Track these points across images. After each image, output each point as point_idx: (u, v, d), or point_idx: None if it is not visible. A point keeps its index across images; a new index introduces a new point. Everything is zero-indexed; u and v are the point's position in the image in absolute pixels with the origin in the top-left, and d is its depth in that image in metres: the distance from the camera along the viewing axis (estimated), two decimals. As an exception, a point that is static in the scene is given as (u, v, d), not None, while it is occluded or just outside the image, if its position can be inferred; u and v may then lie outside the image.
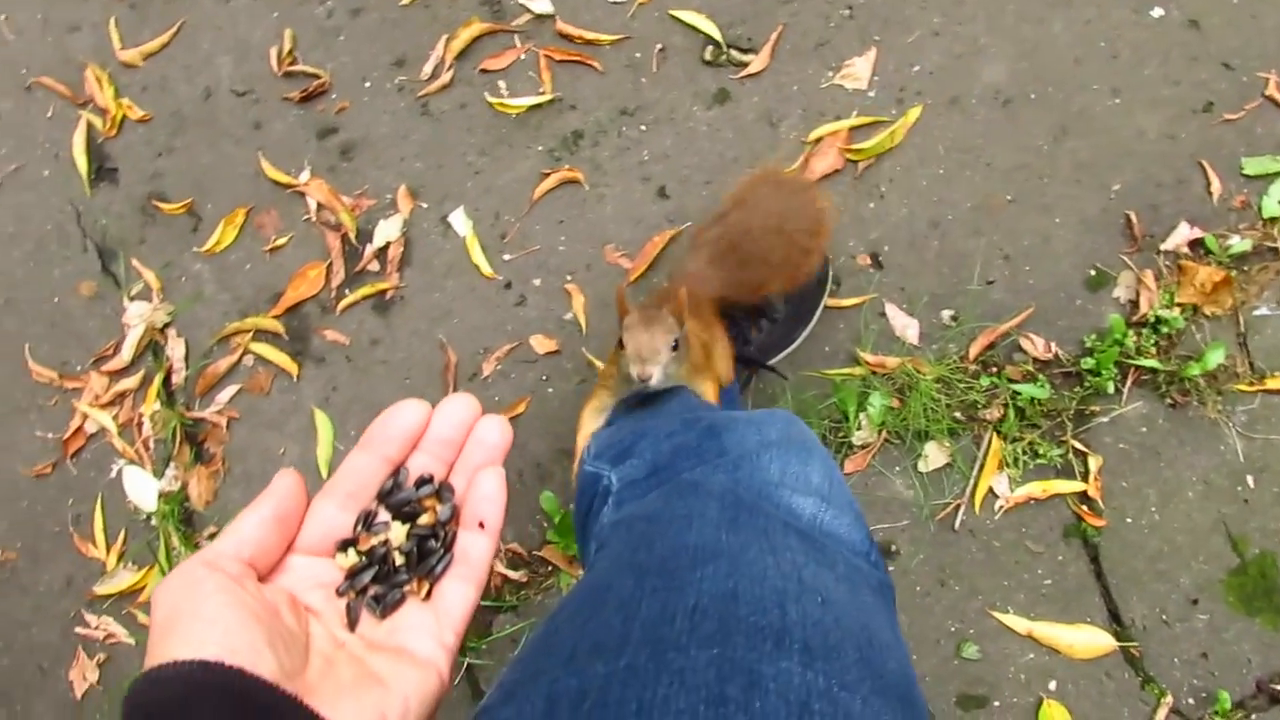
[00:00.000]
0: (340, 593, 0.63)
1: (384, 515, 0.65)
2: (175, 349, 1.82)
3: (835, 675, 0.58)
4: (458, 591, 0.65)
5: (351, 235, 1.81)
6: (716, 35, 1.77)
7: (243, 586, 0.56)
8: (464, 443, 0.67)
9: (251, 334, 1.81)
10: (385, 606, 0.63)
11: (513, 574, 1.68)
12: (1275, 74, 1.68)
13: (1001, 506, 1.62)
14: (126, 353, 1.83)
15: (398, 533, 0.65)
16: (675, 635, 0.60)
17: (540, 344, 1.74)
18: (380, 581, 0.64)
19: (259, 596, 0.57)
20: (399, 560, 0.64)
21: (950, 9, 1.75)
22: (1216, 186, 1.67)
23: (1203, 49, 1.71)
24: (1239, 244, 1.63)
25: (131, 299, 1.85)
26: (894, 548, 1.63)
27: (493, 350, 1.74)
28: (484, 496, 0.65)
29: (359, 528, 0.65)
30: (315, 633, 0.60)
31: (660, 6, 1.79)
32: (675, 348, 1.14)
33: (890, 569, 1.50)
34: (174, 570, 0.56)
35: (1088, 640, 1.57)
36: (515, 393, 1.74)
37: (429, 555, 0.65)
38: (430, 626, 0.63)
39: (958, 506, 1.64)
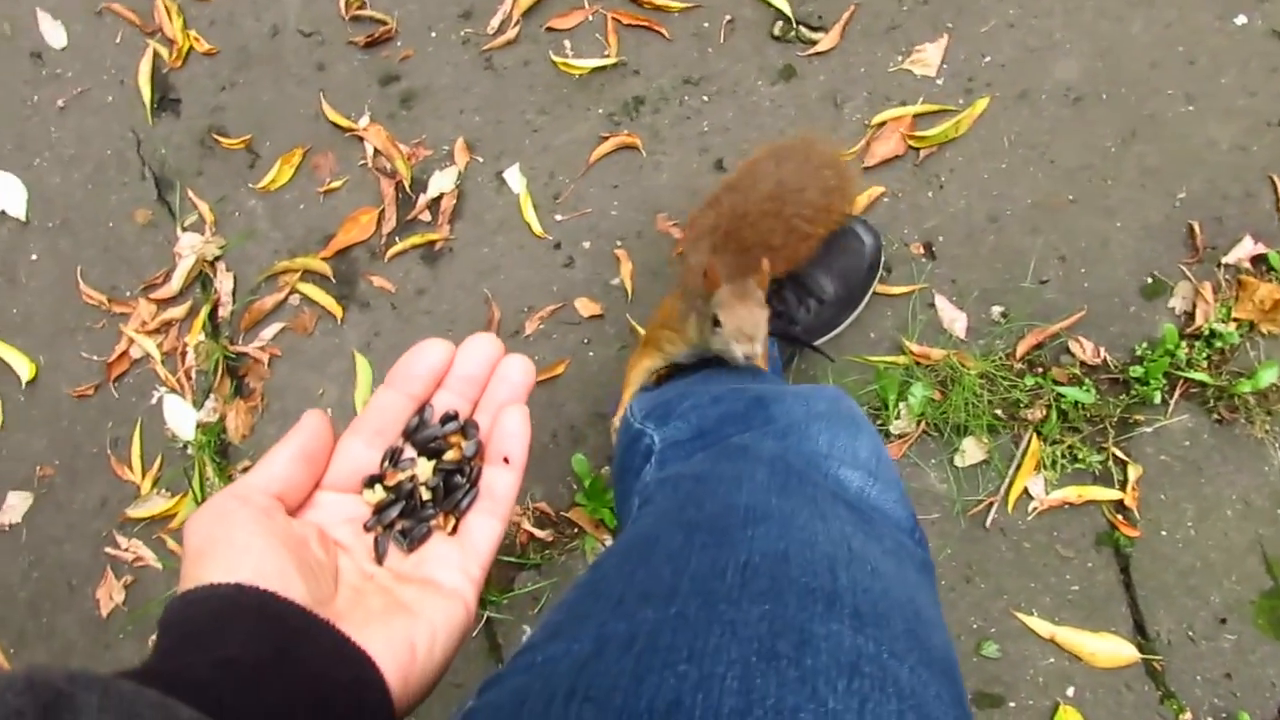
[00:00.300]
0: (368, 528, 0.64)
1: (410, 452, 0.67)
2: (224, 282, 1.84)
3: (885, 642, 0.58)
4: (483, 525, 0.66)
5: (406, 183, 1.81)
6: (787, 10, 1.75)
7: (272, 518, 0.57)
8: (488, 380, 0.68)
9: (300, 274, 1.82)
10: (412, 540, 0.64)
11: (539, 532, 1.69)
12: (1357, 92, 1.64)
13: (1035, 508, 1.61)
14: (176, 282, 1.84)
15: (424, 469, 0.66)
16: (726, 589, 0.60)
17: (585, 307, 1.74)
18: (407, 516, 0.65)
19: (288, 528, 0.58)
20: (425, 496, 0.66)
21: (1028, 1, 1.72)
22: (1285, 203, 1.63)
23: (1284, 61, 1.67)
24: (1303, 263, 1.60)
25: (185, 230, 1.86)
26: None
27: (537, 309, 1.74)
28: (509, 433, 0.66)
29: (386, 464, 0.66)
30: (343, 566, 0.61)
31: (733, -23, 1.77)
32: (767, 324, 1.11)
33: (918, 559, 1.49)
34: (205, 503, 0.57)
35: (1111, 650, 1.56)
36: (556, 353, 1.74)
37: (455, 490, 0.66)
38: (456, 559, 0.64)
39: (990, 504, 1.62)
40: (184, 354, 1.83)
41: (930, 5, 1.74)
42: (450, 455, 0.66)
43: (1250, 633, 1.55)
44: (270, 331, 1.82)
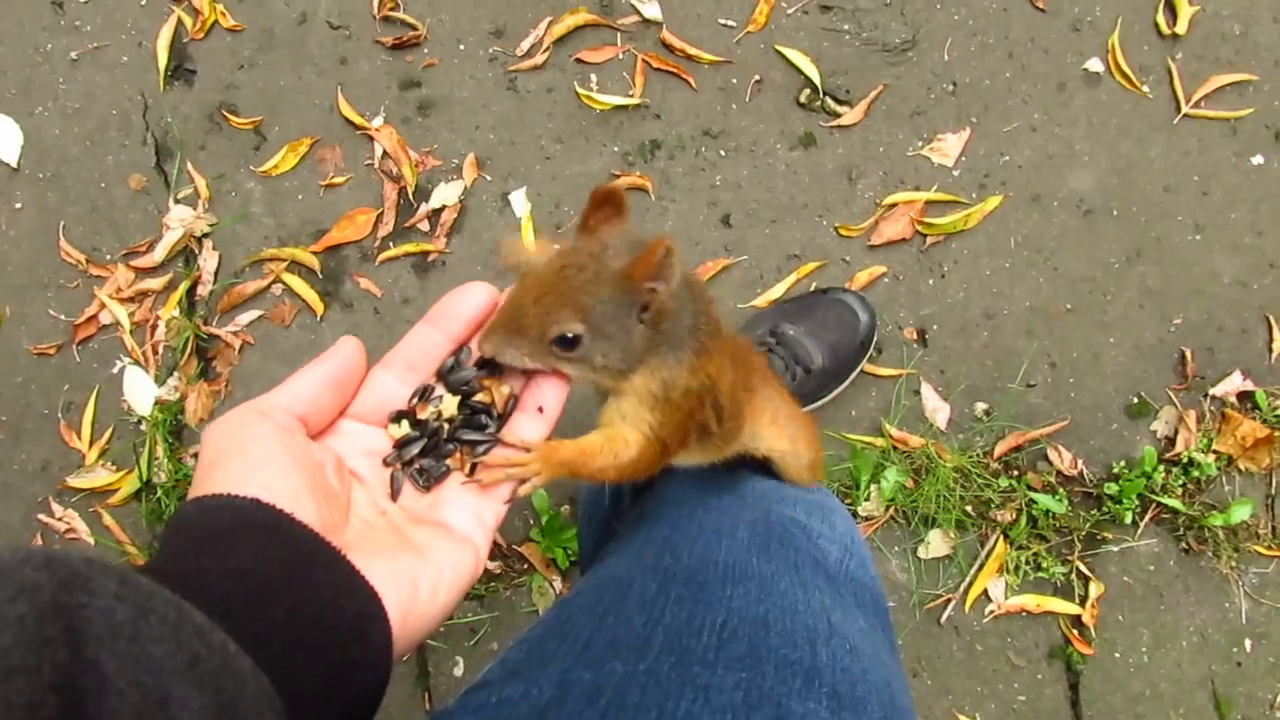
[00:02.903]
0: (387, 462, 0.63)
1: (441, 391, 0.65)
2: (208, 261, 1.79)
3: None
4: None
5: (410, 190, 1.78)
6: (817, 80, 1.76)
7: (292, 437, 0.56)
8: None
9: (287, 264, 1.79)
10: (429, 479, 0.63)
11: (487, 563, 1.64)
12: (1361, 247, 1.65)
13: (992, 611, 1.59)
14: (159, 253, 1.80)
15: (450, 404, 0.64)
16: (702, 649, 0.57)
17: (570, 341, 1.71)
18: (427, 454, 0.63)
19: (306, 450, 0.56)
20: (447, 433, 0.64)
21: (1054, 109, 1.73)
22: (1278, 345, 1.64)
23: (1294, 206, 1.69)
24: (1288, 406, 1.61)
25: (177, 202, 1.82)
26: (876, 627, 1.59)
27: (522, 336, 1.71)
28: (548, 383, 0.65)
29: (414, 400, 0.64)
30: (357, 499, 0.60)
31: (768, 39, 1.78)
32: (572, 342, 0.64)
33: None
34: (227, 413, 0.56)
35: (1050, 767, 1.53)
36: (534, 383, 1.71)
37: (478, 430, 0.64)
38: (472, 504, 0.62)
39: (949, 601, 1.60)
40: (154, 327, 1.78)
41: (957, 97, 1.75)
42: (481, 397, 0.65)
43: (1191, 770, 1.53)
44: (247, 317, 1.77)
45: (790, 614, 0.63)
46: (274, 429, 0.55)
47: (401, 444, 0.63)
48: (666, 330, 0.67)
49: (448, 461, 0.64)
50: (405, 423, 0.64)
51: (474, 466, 0.64)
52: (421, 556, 0.56)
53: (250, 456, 0.53)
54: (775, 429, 0.89)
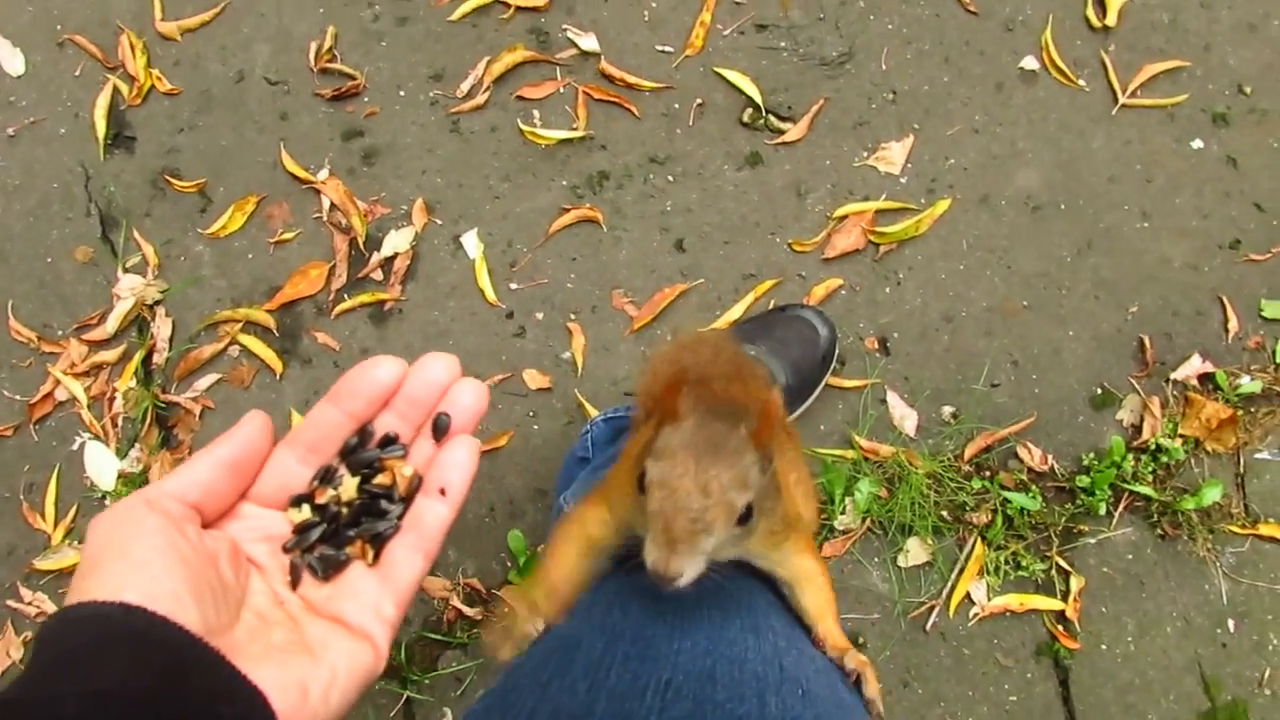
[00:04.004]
0: (286, 549, 0.60)
1: (344, 472, 0.62)
2: (161, 328, 1.77)
3: None
4: (406, 560, 0.61)
5: (360, 240, 1.77)
6: (758, 98, 1.76)
7: (181, 531, 0.53)
8: (436, 407, 0.63)
9: (242, 324, 1.77)
10: (328, 567, 0.60)
11: (467, 610, 1.63)
12: (1305, 222, 1.68)
13: (976, 614, 1.58)
14: (111, 324, 1.77)
15: (349, 487, 0.61)
16: (644, 712, 0.56)
17: (533, 379, 1.70)
18: (327, 541, 0.61)
19: (197, 544, 0.53)
20: (346, 519, 0.61)
21: (994, 109, 1.75)
22: (1234, 324, 1.65)
23: (1236, 187, 1.71)
24: (1249, 384, 1.62)
25: (126, 270, 1.80)
26: (861, 640, 1.58)
27: (484, 378, 1.70)
28: (452, 463, 0.61)
29: (315, 483, 0.62)
30: (255, 588, 0.57)
31: (706, 62, 1.78)
32: (747, 516, 0.63)
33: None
34: (114, 505, 0.53)
35: (1047, 766, 1.53)
36: (500, 424, 1.70)
37: (379, 516, 0.61)
38: (373, 595, 0.59)
39: (932, 607, 1.59)
40: (112, 399, 1.76)
41: (898, 105, 1.76)
42: (381, 479, 0.62)
43: (1186, 756, 1.53)
44: (205, 382, 1.75)
45: (738, 664, 0.62)
46: (160, 523, 0.52)
47: (301, 529, 0.60)
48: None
49: (347, 549, 0.61)
50: (306, 507, 0.61)
51: (377, 555, 0.61)
52: (314, 657, 0.54)
53: (129, 557, 0.50)
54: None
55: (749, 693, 0.60)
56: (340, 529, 0.61)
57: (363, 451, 0.62)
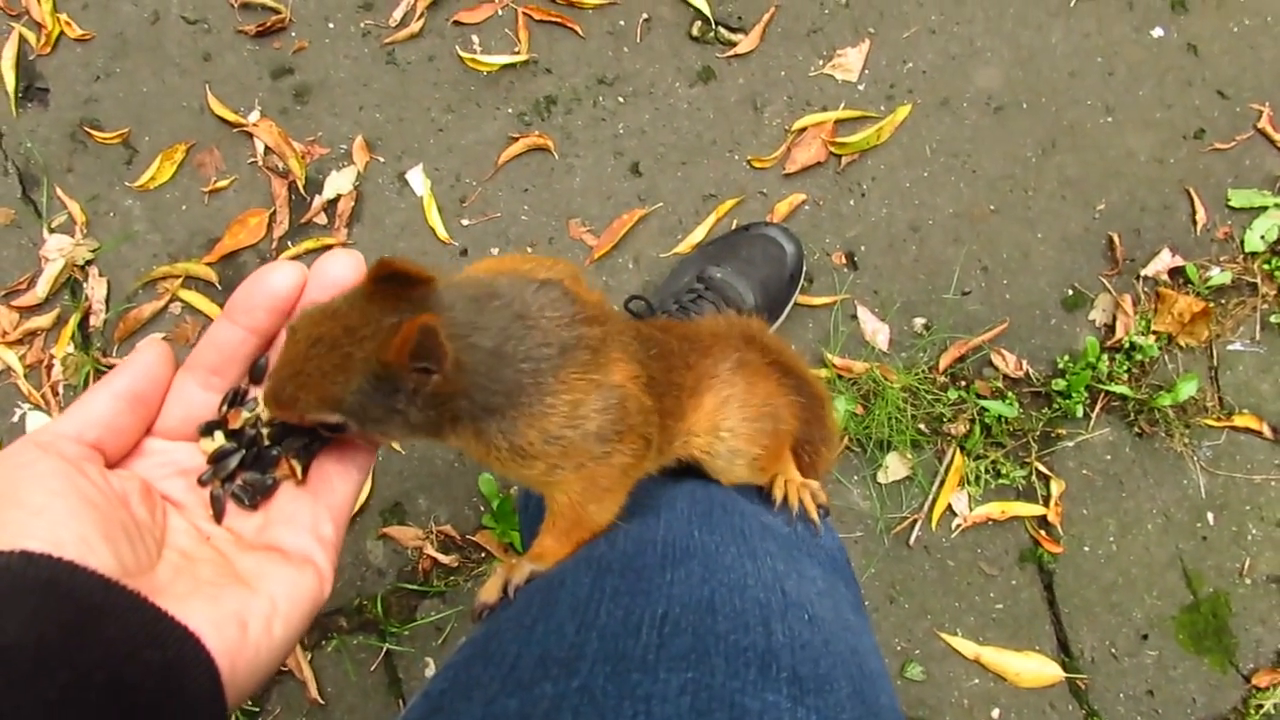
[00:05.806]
0: (203, 481, 0.55)
1: (255, 392, 0.57)
2: (96, 289, 1.68)
3: (829, 713, 0.50)
4: (339, 474, 0.57)
5: (300, 184, 1.68)
6: (706, 10, 1.69)
7: (82, 472, 0.48)
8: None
9: (181, 279, 1.68)
10: (254, 494, 0.56)
11: (443, 558, 1.58)
12: (1269, 107, 1.65)
13: (959, 525, 1.57)
14: (41, 288, 1.68)
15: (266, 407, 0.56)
16: (641, 651, 0.51)
17: (493, 317, 1.63)
18: (249, 467, 0.56)
19: (102, 485, 0.49)
20: (268, 439, 0.57)
21: (949, 8, 1.69)
22: (1201, 216, 1.63)
23: (1199, 75, 1.67)
24: (1219, 276, 1.60)
25: (52, 231, 1.70)
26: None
27: (442, 319, 1.63)
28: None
29: (225, 408, 0.56)
30: (175, 526, 0.53)
31: (649, -26, 1.70)
32: (337, 427, 0.57)
33: (844, 581, 1.43)
34: (1, 452, 0.48)
35: (1035, 669, 1.53)
36: (462, 366, 1.64)
37: (302, 430, 0.57)
38: (308, 517, 0.55)
39: (914, 521, 1.58)
40: (50, 367, 1.67)
41: (852, 9, 1.69)
42: None
43: (1171, 648, 1.53)
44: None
45: (739, 591, 0.58)
46: (56, 466, 0.47)
47: (217, 458, 0.55)
48: (465, 403, 0.58)
49: (274, 473, 0.56)
50: (219, 434, 0.56)
51: (305, 470, 0.56)
52: (250, 588, 0.49)
53: (25, 504, 0.45)
54: (705, 420, 0.75)
55: (753, 621, 0.56)
56: (262, 451, 0.56)
57: None
